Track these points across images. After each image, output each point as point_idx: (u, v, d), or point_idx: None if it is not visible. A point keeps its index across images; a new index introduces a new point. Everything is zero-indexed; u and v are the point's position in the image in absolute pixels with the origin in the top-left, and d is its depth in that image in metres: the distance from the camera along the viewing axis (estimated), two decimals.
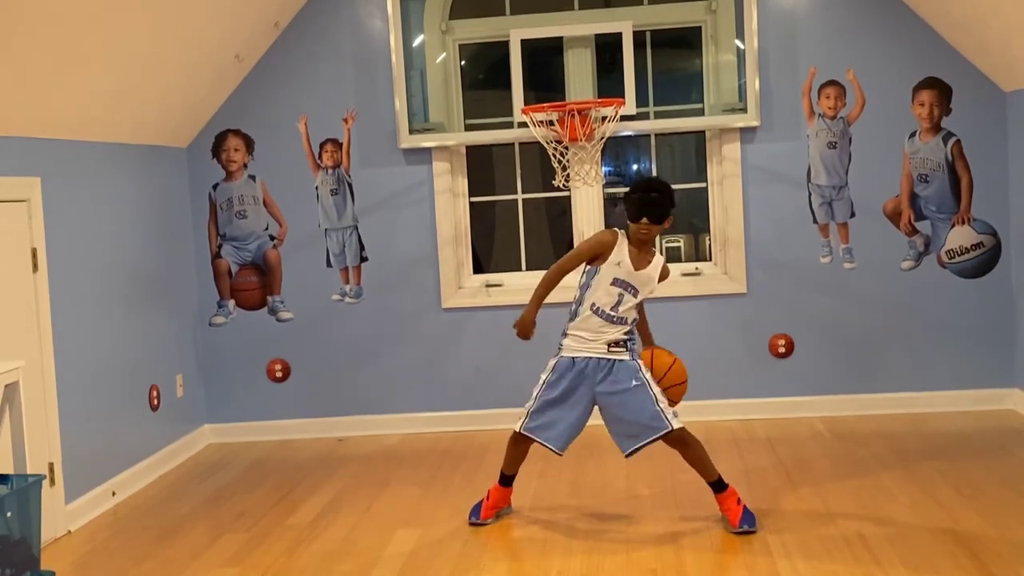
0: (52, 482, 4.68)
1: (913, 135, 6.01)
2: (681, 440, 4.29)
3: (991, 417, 5.89)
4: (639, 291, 4.31)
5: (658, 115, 6.30)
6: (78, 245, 5.04)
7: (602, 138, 5.86)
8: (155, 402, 5.78)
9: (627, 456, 4.37)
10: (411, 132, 6.15)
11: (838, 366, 6.13)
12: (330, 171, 6.28)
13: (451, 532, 4.51)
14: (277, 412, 6.37)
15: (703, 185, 6.29)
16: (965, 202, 5.99)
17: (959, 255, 6.04)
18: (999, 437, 5.50)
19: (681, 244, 7.49)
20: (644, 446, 4.30)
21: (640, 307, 4.39)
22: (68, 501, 4.85)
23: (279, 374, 6.38)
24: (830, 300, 6.12)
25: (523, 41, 5.93)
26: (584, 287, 4.36)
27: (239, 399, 6.39)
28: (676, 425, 4.23)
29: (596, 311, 4.30)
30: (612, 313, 4.29)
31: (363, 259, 6.31)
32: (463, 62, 6.33)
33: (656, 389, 4.27)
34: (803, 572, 3.86)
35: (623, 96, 5.88)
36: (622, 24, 5.94)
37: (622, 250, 4.30)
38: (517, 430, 4.44)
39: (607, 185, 6.48)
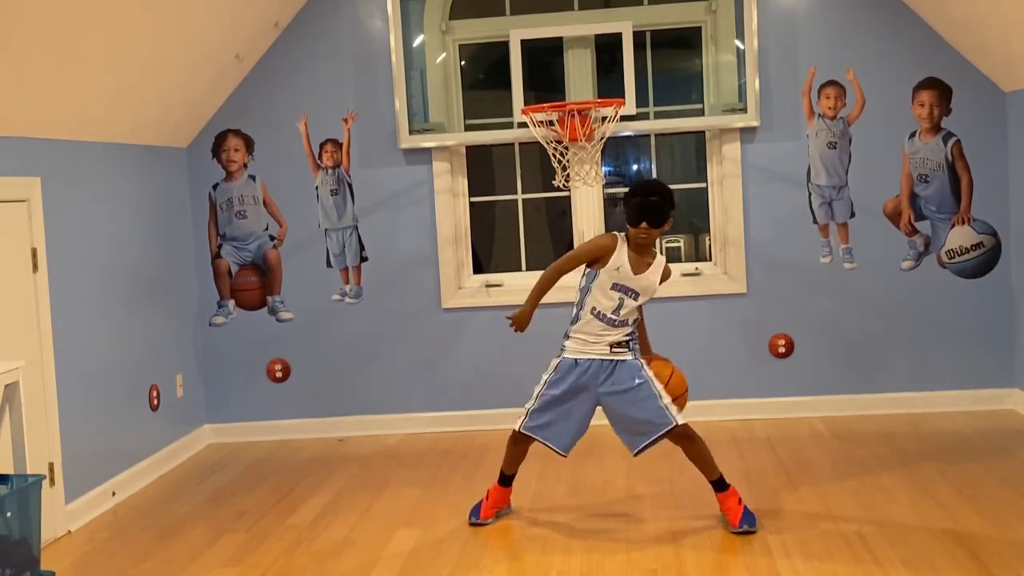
0: (52, 482, 4.68)
1: (913, 135, 6.01)
2: (686, 436, 4.29)
3: (991, 417, 5.89)
4: (640, 295, 4.30)
5: (658, 115, 6.29)
6: (78, 245, 5.04)
7: (602, 138, 5.85)
8: (155, 402, 5.78)
9: (635, 455, 4.37)
10: (411, 132, 6.15)
11: (838, 366, 6.13)
12: (330, 171, 6.28)
13: (451, 532, 4.51)
14: (277, 412, 6.37)
15: (703, 185, 6.29)
16: (965, 202, 5.99)
17: (959, 255, 6.04)
18: (999, 437, 5.50)
19: (681, 244, 7.49)
20: (651, 443, 4.29)
21: (640, 312, 4.39)
22: (68, 501, 4.84)
23: (279, 374, 6.38)
24: (830, 300, 6.12)
25: (523, 41, 5.93)
26: (584, 290, 4.34)
27: (239, 399, 6.39)
28: (681, 421, 4.24)
29: (597, 315, 4.29)
30: (613, 317, 4.29)
31: (363, 259, 6.31)
32: (463, 62, 6.33)
33: (659, 386, 4.27)
34: (803, 572, 3.86)
35: (623, 96, 5.87)
36: (622, 24, 5.94)
37: (621, 255, 4.27)
38: (517, 429, 4.44)
39: (607, 185, 6.48)
